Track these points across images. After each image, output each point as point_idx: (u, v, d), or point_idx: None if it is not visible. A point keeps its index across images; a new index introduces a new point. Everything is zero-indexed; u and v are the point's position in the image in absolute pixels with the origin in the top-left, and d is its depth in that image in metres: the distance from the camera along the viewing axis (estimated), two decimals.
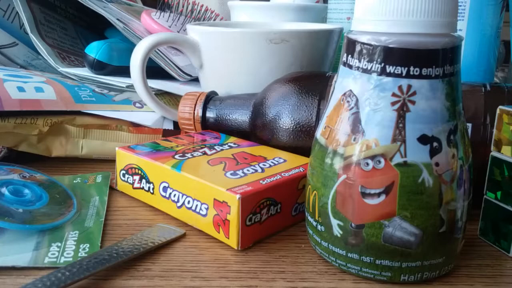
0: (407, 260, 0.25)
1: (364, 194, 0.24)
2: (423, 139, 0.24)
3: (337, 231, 0.25)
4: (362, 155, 0.24)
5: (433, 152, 0.24)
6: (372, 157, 0.24)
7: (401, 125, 0.24)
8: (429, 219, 0.24)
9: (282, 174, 0.31)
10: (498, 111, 0.29)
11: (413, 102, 0.24)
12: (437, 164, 0.24)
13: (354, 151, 0.24)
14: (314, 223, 0.27)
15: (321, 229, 0.26)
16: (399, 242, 0.24)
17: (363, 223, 0.25)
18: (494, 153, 0.29)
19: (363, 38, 0.24)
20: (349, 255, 0.25)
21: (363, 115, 0.24)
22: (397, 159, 0.24)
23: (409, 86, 0.24)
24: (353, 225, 0.25)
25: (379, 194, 0.24)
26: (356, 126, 0.25)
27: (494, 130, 0.29)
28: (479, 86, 0.33)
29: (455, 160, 0.24)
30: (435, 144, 0.24)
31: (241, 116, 0.40)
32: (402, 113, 0.24)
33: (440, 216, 0.24)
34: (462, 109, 0.26)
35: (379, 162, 0.24)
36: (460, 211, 0.25)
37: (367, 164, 0.24)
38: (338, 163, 0.25)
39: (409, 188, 0.24)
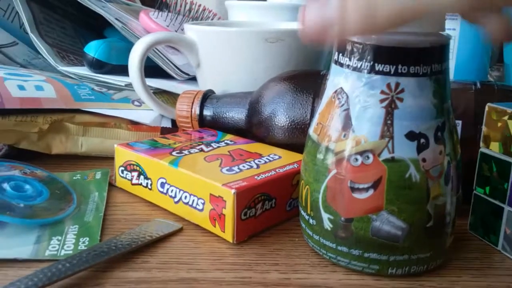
0: (395, 253, 0.25)
1: (353, 189, 0.25)
2: (411, 136, 0.24)
3: (327, 225, 0.26)
4: (351, 151, 0.25)
5: (420, 148, 0.25)
6: (361, 153, 0.25)
7: (389, 121, 0.24)
8: (416, 213, 0.25)
9: (277, 170, 0.32)
10: (486, 108, 0.29)
11: (401, 100, 0.24)
12: (424, 160, 0.25)
13: (344, 147, 0.25)
14: (307, 217, 0.28)
15: (313, 222, 0.27)
16: (386, 235, 0.25)
17: (352, 217, 0.25)
18: (483, 149, 0.30)
19: (354, 37, 0.25)
20: (339, 248, 0.26)
21: (353, 112, 0.25)
22: (385, 154, 0.24)
23: (397, 84, 0.24)
24: (342, 218, 0.26)
25: (367, 189, 0.25)
26: (346, 122, 0.25)
27: (483, 127, 0.30)
28: (470, 84, 0.34)
29: (442, 156, 0.25)
30: (422, 140, 0.25)
31: (237, 114, 0.40)
32: (390, 110, 0.24)
33: (427, 211, 0.25)
34: (451, 106, 0.26)
35: (368, 157, 0.25)
36: (448, 206, 0.26)
37: (356, 159, 0.25)
38: (329, 159, 0.26)
39: (397, 183, 0.24)
